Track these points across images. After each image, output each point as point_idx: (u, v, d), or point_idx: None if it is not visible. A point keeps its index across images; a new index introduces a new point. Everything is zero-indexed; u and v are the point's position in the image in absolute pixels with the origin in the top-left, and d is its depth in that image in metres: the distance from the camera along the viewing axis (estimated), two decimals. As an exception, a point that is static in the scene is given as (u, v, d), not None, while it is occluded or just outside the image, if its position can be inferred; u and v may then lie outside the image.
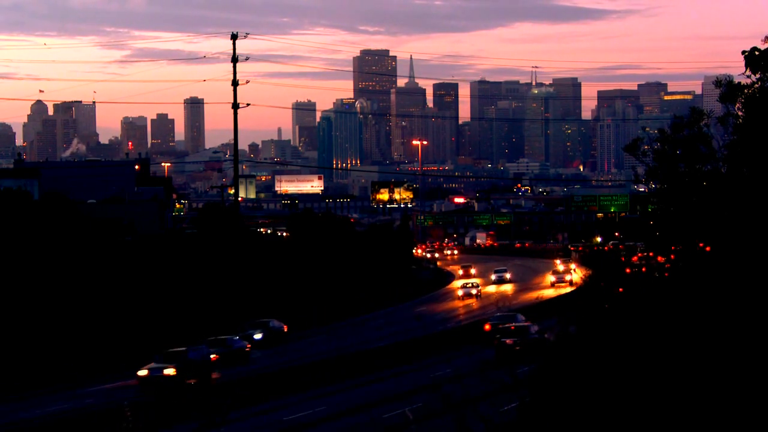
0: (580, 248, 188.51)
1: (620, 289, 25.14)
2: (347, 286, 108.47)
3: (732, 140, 25.18)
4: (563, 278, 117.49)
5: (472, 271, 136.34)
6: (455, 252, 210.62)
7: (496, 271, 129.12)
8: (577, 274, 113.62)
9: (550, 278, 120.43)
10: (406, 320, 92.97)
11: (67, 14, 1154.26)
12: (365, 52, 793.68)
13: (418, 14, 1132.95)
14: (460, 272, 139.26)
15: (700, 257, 25.43)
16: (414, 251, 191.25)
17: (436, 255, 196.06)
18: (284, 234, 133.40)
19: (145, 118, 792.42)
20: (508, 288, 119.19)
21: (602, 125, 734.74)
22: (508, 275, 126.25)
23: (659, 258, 29.09)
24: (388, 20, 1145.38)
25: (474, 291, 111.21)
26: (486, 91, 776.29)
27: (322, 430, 45.77)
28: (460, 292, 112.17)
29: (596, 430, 20.54)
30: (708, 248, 25.65)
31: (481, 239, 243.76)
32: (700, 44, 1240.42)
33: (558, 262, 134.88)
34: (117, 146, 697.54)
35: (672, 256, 28.20)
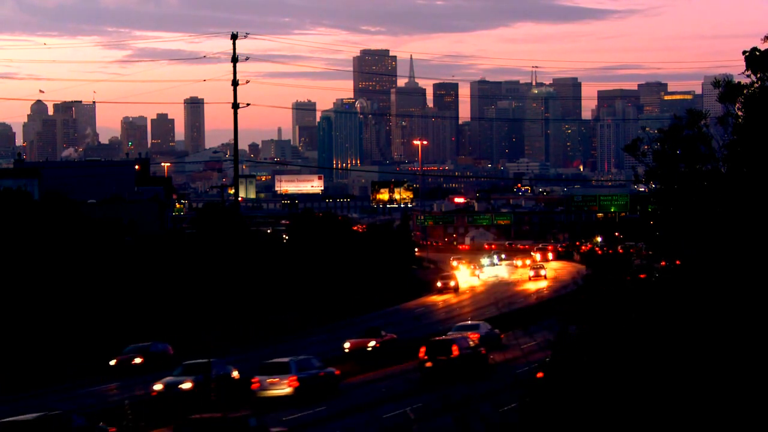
0: (584, 248, 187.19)
1: (620, 290, 25.13)
2: (347, 286, 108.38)
3: (732, 140, 25.13)
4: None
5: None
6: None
7: None
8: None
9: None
10: (405, 320, 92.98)
11: (68, 14, 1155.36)
12: (365, 52, 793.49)
13: (419, 14, 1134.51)
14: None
15: (698, 257, 25.41)
16: (426, 252, 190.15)
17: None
18: (284, 234, 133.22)
19: (145, 118, 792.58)
20: None
21: (602, 125, 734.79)
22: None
23: (662, 262, 29.06)
24: (389, 20, 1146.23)
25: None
26: (486, 91, 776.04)
27: (322, 430, 45.79)
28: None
29: (597, 430, 20.54)
30: (705, 249, 25.63)
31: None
32: (700, 44, 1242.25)
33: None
34: (117, 146, 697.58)
35: (663, 263, 28.18)
